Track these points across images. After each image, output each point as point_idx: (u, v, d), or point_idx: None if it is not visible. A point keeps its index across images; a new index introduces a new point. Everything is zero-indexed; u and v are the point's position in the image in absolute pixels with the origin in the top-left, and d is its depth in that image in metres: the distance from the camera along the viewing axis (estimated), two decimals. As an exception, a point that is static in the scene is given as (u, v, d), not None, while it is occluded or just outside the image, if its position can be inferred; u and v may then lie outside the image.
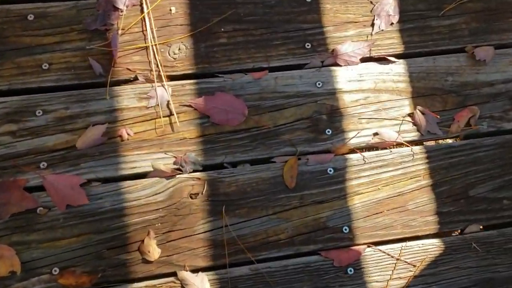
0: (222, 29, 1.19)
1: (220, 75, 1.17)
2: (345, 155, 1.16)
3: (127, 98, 1.13)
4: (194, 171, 1.11)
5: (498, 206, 1.17)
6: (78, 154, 1.08)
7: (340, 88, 1.19)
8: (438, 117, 1.18)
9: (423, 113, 1.19)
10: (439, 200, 1.15)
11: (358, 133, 1.17)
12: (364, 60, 1.22)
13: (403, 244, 1.13)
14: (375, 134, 1.17)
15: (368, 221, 1.13)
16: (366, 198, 1.14)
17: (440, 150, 1.18)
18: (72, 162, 1.08)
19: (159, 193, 1.09)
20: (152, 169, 1.10)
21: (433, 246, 1.14)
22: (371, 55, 1.22)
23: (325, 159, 1.15)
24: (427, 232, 1.15)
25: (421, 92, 1.21)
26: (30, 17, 1.14)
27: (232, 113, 1.14)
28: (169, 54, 1.16)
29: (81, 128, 1.10)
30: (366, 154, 1.16)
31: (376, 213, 1.14)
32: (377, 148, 1.18)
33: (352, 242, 1.12)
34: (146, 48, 1.16)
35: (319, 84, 1.18)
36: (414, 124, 1.19)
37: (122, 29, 1.16)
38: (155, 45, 1.16)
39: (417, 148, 1.18)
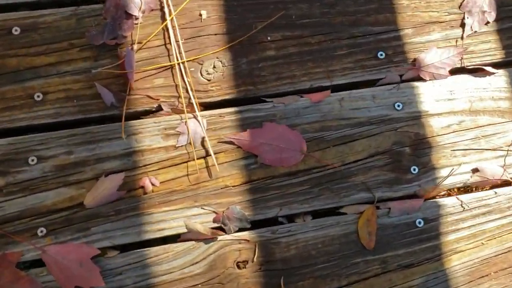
0: (269, 38, 0.91)
1: (268, 100, 0.89)
2: (437, 200, 0.88)
3: (150, 135, 0.85)
4: (241, 230, 0.84)
5: None
6: (88, 215, 0.82)
7: (426, 111, 0.91)
8: (563, 148, 0.90)
9: (535, 140, 0.91)
10: (561, 256, 0.88)
11: (453, 170, 0.89)
12: (454, 72, 0.93)
13: (518, 316, 0.86)
14: (474, 170, 0.90)
15: (471, 288, 0.86)
16: (467, 257, 0.87)
17: (559, 188, 0.90)
18: (79, 226, 0.81)
19: (197, 262, 0.82)
20: (185, 230, 0.83)
21: (556, 318, 0.86)
22: (463, 65, 0.94)
23: (412, 207, 0.87)
24: (548, 299, 0.87)
25: (530, 112, 0.93)
26: (16, 31, 0.86)
27: (286, 150, 0.87)
28: (202, 75, 0.88)
29: (90, 179, 0.83)
30: (464, 197, 0.89)
31: (481, 277, 0.87)
32: (477, 189, 0.90)
33: (452, 318, 0.85)
34: (171, 67, 0.88)
35: (398, 105, 0.90)
36: (524, 155, 0.91)
37: (139, 43, 0.88)
38: (183, 62, 0.88)
39: (529, 187, 0.90)
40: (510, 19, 0.96)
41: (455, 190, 0.90)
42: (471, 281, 0.86)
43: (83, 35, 0.87)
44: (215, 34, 0.90)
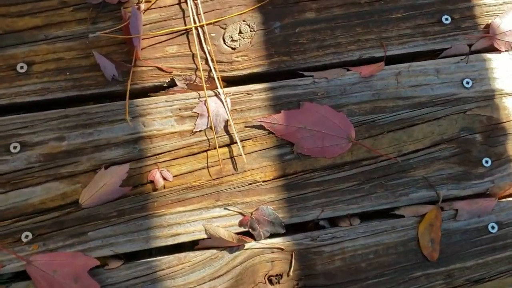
0: (308, -4, 0.73)
1: (307, 74, 0.72)
2: (515, 200, 0.72)
3: (161, 117, 0.68)
4: (273, 236, 0.68)
5: None
6: (84, 216, 0.66)
7: (502, 89, 0.73)
8: None
9: None
10: None
11: (534, 163, 0.72)
12: (536, 41, 0.75)
13: None
14: (561, 163, 0.73)
15: (555, 309, 0.70)
16: (551, 271, 0.70)
17: None
18: (74, 230, 0.65)
19: (219, 276, 0.66)
20: (205, 236, 0.67)
21: None
22: (548, 32, 0.76)
23: (484, 209, 0.70)
24: None
25: None
26: (-7, -15, 0.69)
27: (330, 137, 0.70)
28: (225, 42, 0.71)
29: (86, 172, 0.66)
30: (549, 197, 0.72)
31: None
32: None
33: None
34: (187, 32, 0.70)
35: (467, 82, 0.73)
36: None
37: (147, 2, 0.70)
38: (202, 26, 0.70)
39: None
40: None
41: (537, 187, 0.73)
42: (556, 301, 0.70)
43: (77, -10, 0.70)
44: (242, -8, 0.72)
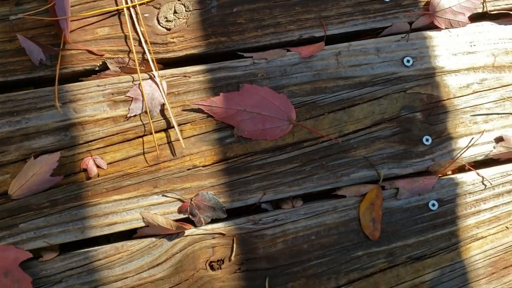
0: (246, -26, 0.71)
1: (246, 55, 0.70)
2: (454, 177, 0.73)
3: (93, 102, 0.65)
4: (214, 221, 0.67)
5: None
6: (14, 208, 0.63)
7: (441, 67, 0.73)
8: None
9: None
10: None
11: (473, 139, 0.73)
12: (475, 18, 0.76)
13: (547, 312, 0.73)
14: (499, 139, 0.74)
15: (493, 282, 0.72)
16: (489, 244, 0.72)
17: None
18: (4, 223, 0.63)
19: (159, 264, 0.65)
20: (143, 224, 0.65)
21: None
22: (485, 9, 0.76)
23: (424, 187, 0.71)
24: None
25: None
26: None
27: (270, 119, 0.69)
28: (159, 22, 0.68)
29: (15, 162, 0.64)
30: (486, 172, 0.73)
31: (505, 267, 0.73)
32: (502, 162, 0.74)
33: (471, 318, 0.71)
34: (118, 12, 0.67)
35: (408, 61, 0.73)
36: (557, 119, 0.75)
37: (74, -20, 0.67)
38: (134, 6, 0.67)
39: (562, 159, 0.75)
40: (543, -48, 0.78)
41: (476, 164, 0.74)
42: (493, 273, 0.72)
43: (-2, -31, 0.66)
44: (176, -31, 0.70)
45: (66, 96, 0.65)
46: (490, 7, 0.77)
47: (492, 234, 0.73)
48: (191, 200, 0.66)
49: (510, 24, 0.77)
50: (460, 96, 0.74)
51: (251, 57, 0.71)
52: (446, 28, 0.75)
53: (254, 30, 0.71)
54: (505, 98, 0.75)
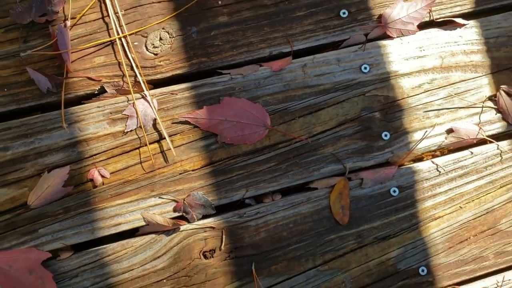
0: (220, 2, 0.82)
1: (224, 72, 0.81)
2: (412, 166, 0.84)
3: (94, 122, 0.76)
4: (205, 217, 0.78)
5: None
6: (33, 216, 0.74)
7: (395, 71, 0.84)
8: (540, 101, 0.85)
9: (509, 95, 0.86)
10: (540, 212, 0.85)
11: (426, 132, 0.84)
12: (423, 26, 0.87)
13: (499, 278, 0.84)
14: (449, 131, 0.85)
15: (451, 255, 0.83)
16: (445, 223, 0.83)
17: (536, 143, 0.86)
18: (25, 229, 0.74)
19: (159, 256, 0.76)
20: (144, 223, 0.76)
21: (537, 276, 0.84)
22: (432, 18, 0.87)
23: (386, 176, 0.82)
24: (528, 257, 0.85)
25: (503, 65, 0.87)
26: None
27: (248, 126, 0.79)
28: (147, 49, 0.79)
29: (31, 176, 0.74)
30: (440, 160, 0.84)
31: (461, 242, 0.83)
32: (453, 151, 0.85)
33: (433, 286, 0.81)
34: (112, 43, 0.78)
35: (365, 68, 0.83)
36: (499, 110, 0.86)
37: (72, 18, 0.77)
38: (125, 37, 0.78)
39: (505, 144, 0.86)
40: (479, -36, 0.89)
41: (430, 153, 0.85)
42: (450, 247, 0.83)
43: (7, 13, 0.76)
44: (159, 2, 0.80)
45: (71, 118, 0.76)
46: (436, 15, 0.87)
47: (448, 214, 0.84)
48: (184, 200, 0.77)
49: (454, 29, 0.88)
50: (413, 95, 0.85)
51: (229, 73, 0.81)
52: (397, 37, 0.86)
53: (230, 50, 0.82)
54: (453, 95, 0.86)
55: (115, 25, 0.78)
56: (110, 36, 0.78)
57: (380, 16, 0.85)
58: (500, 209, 0.85)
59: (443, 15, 0.87)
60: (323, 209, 0.80)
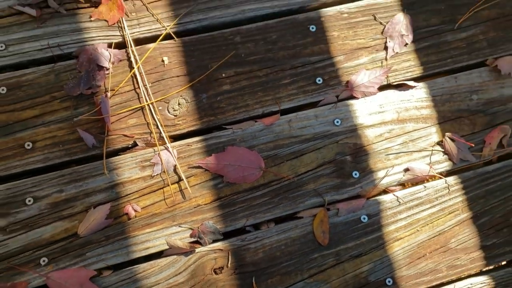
0: (223, 75, 1.06)
1: (228, 127, 1.04)
2: (377, 198, 1.05)
3: (128, 169, 0.99)
4: (215, 241, 0.99)
5: (544, 230, 1.08)
6: (82, 243, 0.95)
7: (361, 123, 1.08)
8: (473, 145, 1.08)
9: (452, 140, 1.09)
10: (481, 233, 1.06)
11: (388, 171, 1.06)
12: (382, 88, 1.10)
13: (451, 287, 1.04)
14: (406, 169, 1.07)
15: (411, 268, 1.03)
16: (406, 243, 1.04)
17: (475, 177, 1.08)
18: (76, 253, 0.94)
19: (180, 273, 0.96)
20: (167, 247, 0.97)
21: (483, 285, 1.04)
22: (389, 82, 1.11)
23: (357, 206, 1.04)
24: (474, 270, 1.05)
25: (447, 116, 1.10)
26: (3, 90, 0.99)
27: (247, 169, 1.02)
28: (169, 112, 1.03)
29: (81, 212, 0.96)
30: (399, 193, 1.06)
31: (419, 258, 1.03)
32: (410, 185, 1.07)
33: (398, 294, 1.02)
34: (142, 108, 1.02)
35: (337, 121, 1.07)
36: (445, 153, 1.09)
37: (111, 90, 1.01)
38: (152, 103, 1.02)
39: (451, 179, 1.08)
40: (425, 39, 1.14)
41: (392, 188, 1.07)
42: (410, 262, 1.03)
43: (62, 88, 1.01)
44: (177, 76, 1.05)
45: (111, 166, 0.99)
46: (392, 80, 1.12)
47: (408, 235, 1.05)
48: (198, 228, 0.99)
49: (407, 90, 1.11)
50: (376, 142, 1.08)
51: (231, 128, 1.04)
52: (362, 97, 1.10)
53: (232, 110, 1.06)
54: (408, 141, 1.09)
55: (144, 94, 1.02)
56: (140, 103, 1.02)
57: (348, 81, 1.10)
58: (449, 231, 1.06)
59: (397, 79, 1.12)
60: (308, 233, 1.02)
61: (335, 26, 1.12)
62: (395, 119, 1.09)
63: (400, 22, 1.13)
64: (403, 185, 1.07)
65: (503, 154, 1.10)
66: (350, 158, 1.06)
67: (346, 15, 1.12)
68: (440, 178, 1.08)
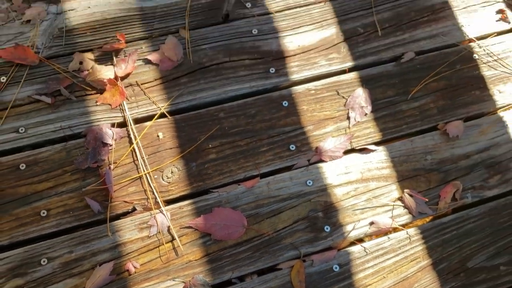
0: (210, 145, 1.24)
1: (214, 190, 1.21)
2: (347, 249, 1.20)
3: (129, 230, 1.14)
4: (205, 292, 1.13)
5: (496, 274, 1.21)
6: (88, 297, 1.09)
7: (330, 183, 1.24)
8: (427, 200, 1.24)
9: (411, 196, 1.25)
10: (441, 278, 1.19)
11: (355, 225, 1.22)
12: (347, 152, 1.28)
13: (417, 327, 1.16)
14: (371, 223, 1.22)
15: (380, 311, 1.16)
16: (373, 288, 1.17)
17: (432, 228, 1.23)
18: (83, 307, 1.08)
19: (174, 322, 1.09)
20: (163, 299, 1.11)
21: (445, 325, 1.17)
22: (352, 147, 1.29)
23: (329, 257, 1.18)
24: (437, 312, 1.18)
25: (405, 175, 1.27)
26: (22, 167, 1.16)
27: (232, 227, 1.17)
28: (163, 179, 1.20)
29: (88, 270, 1.10)
30: (367, 244, 1.21)
31: (386, 302, 1.17)
32: (375, 237, 1.22)
33: (368, 336, 1.14)
34: (140, 177, 1.19)
35: (309, 182, 1.23)
36: (405, 207, 1.25)
37: (114, 163, 1.19)
38: (148, 173, 1.19)
39: (412, 230, 1.23)
40: (382, 109, 1.33)
41: (359, 240, 1.22)
42: (379, 306, 1.17)
43: (72, 162, 1.18)
44: (171, 148, 1.23)
45: (114, 229, 1.14)
46: (355, 145, 1.29)
47: (375, 282, 1.18)
48: (190, 281, 1.13)
49: (368, 153, 1.29)
50: (344, 199, 1.24)
51: (217, 191, 1.21)
52: (330, 161, 1.27)
53: (218, 176, 1.23)
54: (371, 198, 1.25)
55: (142, 165, 1.20)
56: (138, 173, 1.19)
57: (317, 147, 1.27)
58: (412, 276, 1.20)
59: (360, 144, 1.30)
60: (287, 283, 1.15)
61: (304, 101, 1.31)
62: (359, 179, 1.26)
63: (360, 95, 1.33)
64: (369, 236, 1.22)
65: (457, 206, 1.26)
66: (322, 214, 1.22)
67: (313, 91, 1.32)
68: (402, 229, 1.23)
